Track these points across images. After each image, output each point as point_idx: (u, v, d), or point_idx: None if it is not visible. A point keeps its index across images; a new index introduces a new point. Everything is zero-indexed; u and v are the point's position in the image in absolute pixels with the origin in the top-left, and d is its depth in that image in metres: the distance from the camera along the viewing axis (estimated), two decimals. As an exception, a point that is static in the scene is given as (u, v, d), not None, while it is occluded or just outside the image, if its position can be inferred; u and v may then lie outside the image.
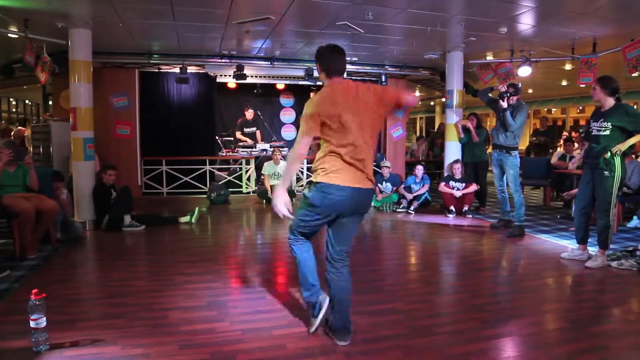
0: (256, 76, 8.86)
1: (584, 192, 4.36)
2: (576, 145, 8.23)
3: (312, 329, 2.81)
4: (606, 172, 4.10)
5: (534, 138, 10.15)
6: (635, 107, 12.46)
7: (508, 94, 5.41)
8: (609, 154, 4.04)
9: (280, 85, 10.14)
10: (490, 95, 5.88)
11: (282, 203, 2.63)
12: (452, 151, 7.51)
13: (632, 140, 4.03)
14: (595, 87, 4.12)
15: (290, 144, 9.65)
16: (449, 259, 4.91)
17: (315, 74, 8.40)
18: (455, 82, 7.47)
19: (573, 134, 9.50)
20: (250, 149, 8.89)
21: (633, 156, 6.28)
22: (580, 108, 14.61)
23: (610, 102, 4.11)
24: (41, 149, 8.29)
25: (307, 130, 2.56)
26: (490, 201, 7.62)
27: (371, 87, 2.69)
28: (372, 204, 7.65)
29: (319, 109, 2.54)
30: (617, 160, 4.07)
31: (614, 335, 2.91)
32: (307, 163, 8.74)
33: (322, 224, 2.70)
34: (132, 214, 5.90)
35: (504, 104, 5.40)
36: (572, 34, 5.99)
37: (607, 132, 4.06)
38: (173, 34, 6.35)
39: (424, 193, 7.36)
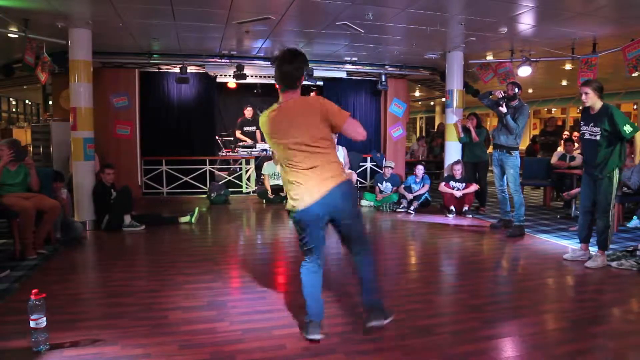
0: (256, 76, 8.86)
1: (585, 192, 4.39)
2: (576, 145, 8.23)
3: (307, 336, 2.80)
4: (607, 174, 4.13)
5: (543, 138, 10.13)
6: (635, 107, 12.51)
7: (504, 101, 5.46)
8: (608, 168, 4.11)
9: (281, 85, 10.13)
10: (491, 97, 5.88)
11: None
12: (452, 151, 7.51)
13: (638, 154, 4.17)
14: (588, 92, 4.11)
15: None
16: (449, 259, 4.91)
17: (315, 73, 8.48)
18: (455, 82, 7.47)
19: (574, 134, 9.48)
20: (250, 149, 8.89)
21: (633, 156, 6.27)
22: (580, 108, 14.59)
23: (599, 104, 4.14)
24: (41, 149, 8.29)
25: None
26: (490, 201, 7.62)
27: (317, 104, 2.65)
28: (372, 204, 7.67)
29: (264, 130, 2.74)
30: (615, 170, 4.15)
31: (614, 335, 2.91)
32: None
33: (311, 238, 2.72)
34: (132, 214, 5.90)
35: (504, 109, 5.44)
36: (572, 34, 5.99)
37: (599, 137, 4.11)
38: (173, 34, 6.35)
39: (424, 193, 7.36)
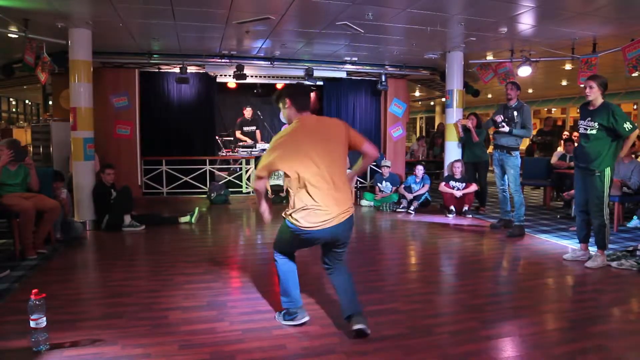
0: (256, 76, 8.86)
1: (579, 191, 4.40)
2: (576, 145, 8.22)
3: (277, 318, 3.01)
4: (597, 172, 4.16)
5: (540, 137, 10.15)
6: (635, 107, 12.51)
7: (504, 123, 5.51)
8: (600, 166, 4.14)
9: (280, 85, 10.13)
10: (493, 120, 5.84)
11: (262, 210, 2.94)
12: (452, 151, 7.52)
13: (624, 150, 4.23)
14: (593, 86, 4.13)
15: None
16: (449, 259, 4.91)
17: (316, 73, 8.49)
18: (455, 82, 7.47)
19: (574, 134, 9.49)
20: (250, 149, 8.90)
21: (633, 156, 6.28)
22: (578, 110, 14.58)
23: (600, 100, 4.17)
24: (41, 149, 8.29)
25: (267, 164, 2.67)
26: (490, 201, 7.62)
27: (340, 124, 2.83)
28: (372, 203, 7.67)
29: (283, 145, 2.67)
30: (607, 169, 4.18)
31: (614, 335, 2.91)
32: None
33: (296, 249, 2.98)
34: (132, 214, 5.90)
35: (506, 129, 5.49)
36: (572, 34, 5.99)
37: (594, 132, 4.13)
38: (173, 34, 6.35)
39: (424, 193, 7.36)
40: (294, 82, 9.25)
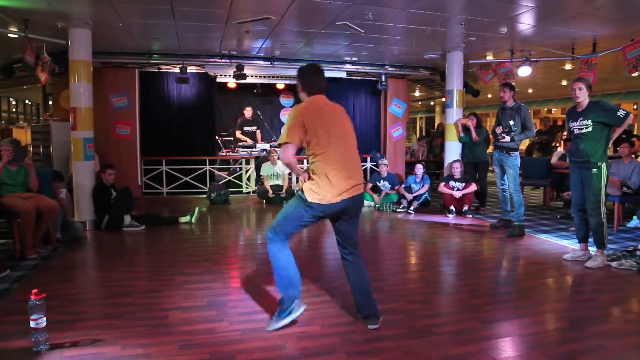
0: (256, 76, 8.87)
1: (575, 190, 4.42)
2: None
3: (271, 326, 2.87)
4: (594, 170, 4.19)
5: (537, 137, 10.14)
6: (635, 107, 12.52)
7: (504, 134, 5.54)
8: (596, 161, 4.18)
9: (280, 85, 10.15)
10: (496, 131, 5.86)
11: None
12: (452, 151, 7.52)
13: (614, 137, 4.29)
14: (582, 87, 4.24)
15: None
16: (449, 259, 4.91)
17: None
18: (455, 82, 7.48)
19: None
20: (250, 149, 8.90)
21: (633, 156, 6.28)
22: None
23: (587, 100, 4.27)
24: (41, 149, 8.30)
25: (289, 136, 2.70)
26: (490, 201, 7.62)
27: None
28: (372, 204, 7.67)
29: (303, 118, 2.71)
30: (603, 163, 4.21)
31: (614, 335, 2.91)
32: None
33: (305, 226, 2.93)
34: (132, 214, 5.90)
35: (507, 138, 5.50)
36: (572, 34, 5.99)
37: (590, 129, 4.19)
38: (173, 34, 6.36)
39: (424, 193, 7.36)
40: (295, 82, 9.27)
